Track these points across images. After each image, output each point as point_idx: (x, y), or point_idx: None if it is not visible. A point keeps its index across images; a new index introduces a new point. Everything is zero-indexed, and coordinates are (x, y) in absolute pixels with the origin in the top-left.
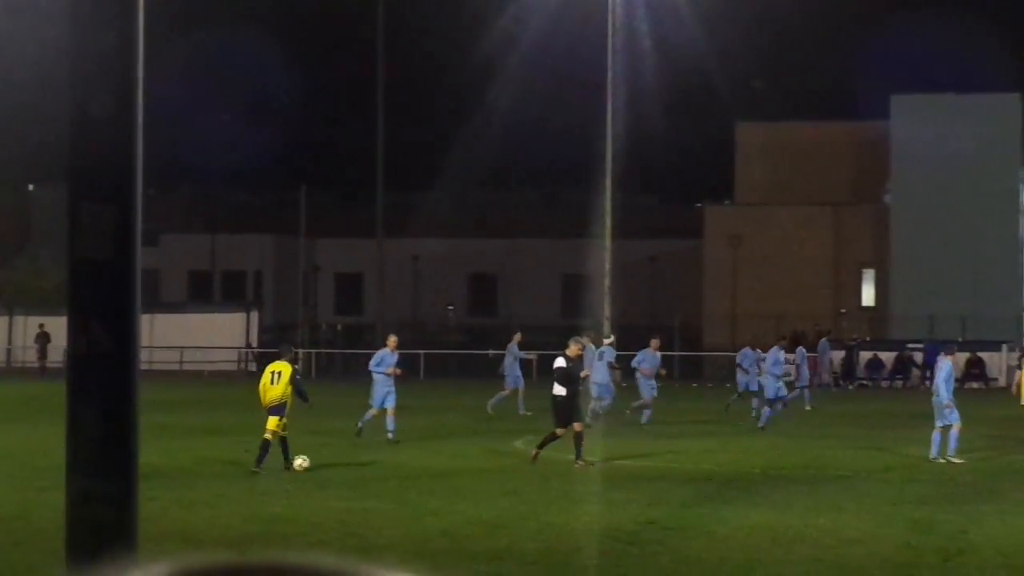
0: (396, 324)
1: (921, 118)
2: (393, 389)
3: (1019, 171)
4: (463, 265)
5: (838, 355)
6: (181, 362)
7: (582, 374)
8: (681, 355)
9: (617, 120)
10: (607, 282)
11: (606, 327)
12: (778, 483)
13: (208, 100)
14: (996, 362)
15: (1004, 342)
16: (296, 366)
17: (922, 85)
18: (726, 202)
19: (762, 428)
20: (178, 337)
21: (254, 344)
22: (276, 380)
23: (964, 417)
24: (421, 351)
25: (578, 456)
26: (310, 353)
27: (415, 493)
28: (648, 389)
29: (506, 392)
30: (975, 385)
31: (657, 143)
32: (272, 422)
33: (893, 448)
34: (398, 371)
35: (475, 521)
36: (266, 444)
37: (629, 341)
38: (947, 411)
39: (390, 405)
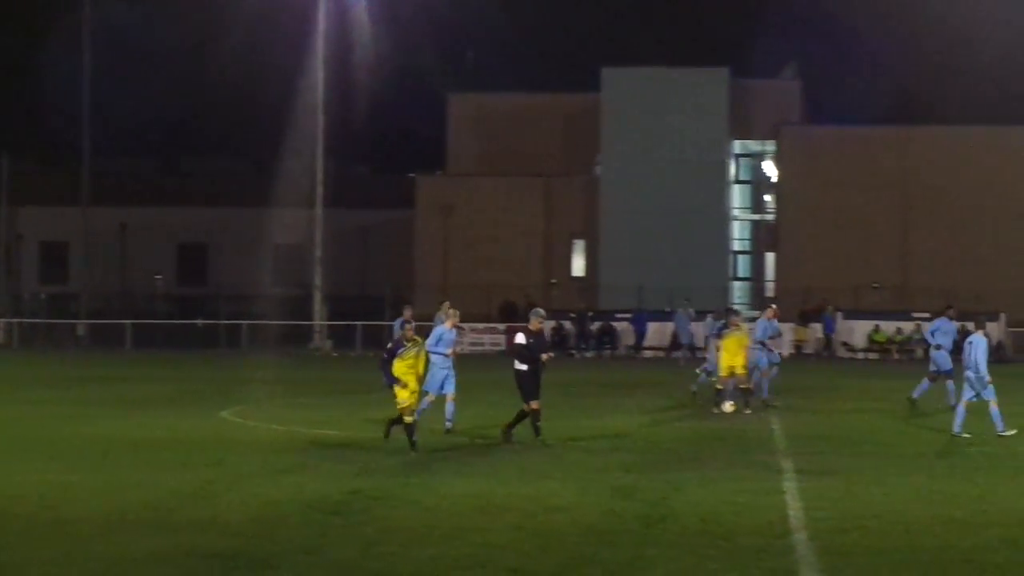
0: (103, 294)
1: (631, 91)
2: (453, 372)
3: (727, 144)
4: (172, 234)
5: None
6: None
7: (544, 357)
8: (392, 324)
9: (329, 90)
10: (318, 252)
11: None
12: (486, 452)
13: None
14: (702, 332)
15: (711, 312)
16: None
17: (632, 58)
18: (438, 173)
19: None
20: None
21: None
22: None
23: (669, 386)
24: (128, 321)
25: (536, 434)
26: (12, 323)
27: (118, 465)
28: (767, 359)
29: None
30: (678, 354)
31: (369, 114)
32: None
33: (599, 417)
34: (457, 351)
35: (179, 492)
36: None
37: (339, 311)
38: (988, 386)
39: (450, 391)
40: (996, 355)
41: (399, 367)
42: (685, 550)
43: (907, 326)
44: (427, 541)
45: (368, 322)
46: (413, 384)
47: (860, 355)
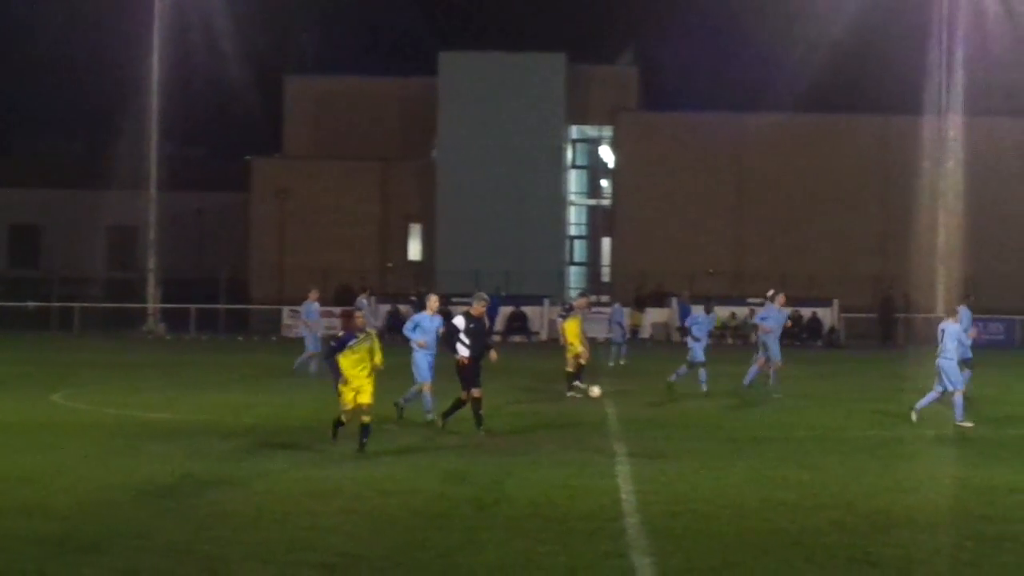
0: None
1: (468, 75)
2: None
3: (563, 129)
4: (2, 215)
5: (384, 309)
6: None
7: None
8: (227, 308)
9: (164, 71)
10: (152, 234)
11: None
12: (318, 436)
13: None
14: (538, 316)
15: (546, 296)
16: None
17: (470, 43)
18: (275, 155)
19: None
20: None
21: None
22: None
23: (509, 372)
24: None
25: (479, 423)
26: None
27: None
28: (776, 349)
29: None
30: (517, 339)
31: (205, 95)
32: None
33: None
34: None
35: (7, 477)
36: None
37: (171, 294)
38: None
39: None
40: (829, 340)
41: (345, 362)
42: (517, 533)
43: (741, 311)
44: (258, 525)
45: (202, 305)
46: (362, 382)
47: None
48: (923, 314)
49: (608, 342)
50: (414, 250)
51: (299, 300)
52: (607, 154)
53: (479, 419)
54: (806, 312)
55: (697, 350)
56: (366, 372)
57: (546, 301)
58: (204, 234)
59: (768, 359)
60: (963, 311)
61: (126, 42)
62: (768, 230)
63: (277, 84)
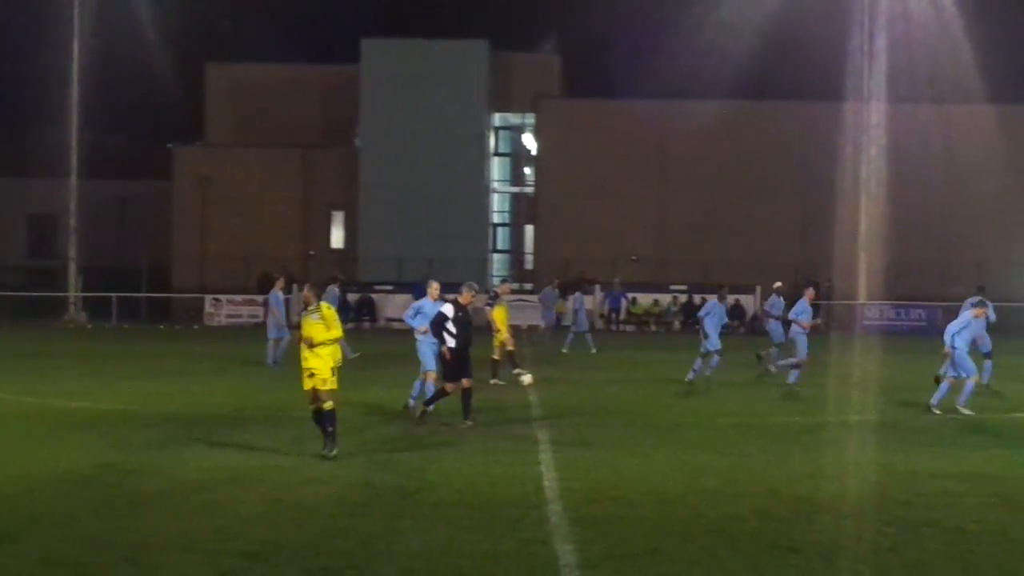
0: None
1: (390, 63)
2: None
3: (486, 117)
4: None
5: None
6: None
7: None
8: (149, 296)
9: (85, 59)
10: (73, 222)
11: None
12: (241, 425)
13: None
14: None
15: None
16: None
17: (392, 30)
18: (196, 143)
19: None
20: None
21: None
22: None
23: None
24: None
25: (467, 415)
26: None
27: None
28: (804, 345)
29: None
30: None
31: (126, 83)
32: None
33: (357, 389)
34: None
35: None
36: None
37: (92, 282)
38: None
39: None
40: (752, 327)
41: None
42: (440, 521)
43: (664, 298)
44: (179, 514)
45: (124, 294)
46: (315, 364)
47: (614, 327)
48: (845, 301)
49: (533, 330)
50: (336, 238)
51: (221, 288)
52: (530, 141)
53: (467, 410)
54: (729, 299)
55: (714, 338)
56: (320, 354)
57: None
58: (125, 222)
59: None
60: (989, 306)
61: (46, 29)
62: (691, 217)
63: (199, 71)
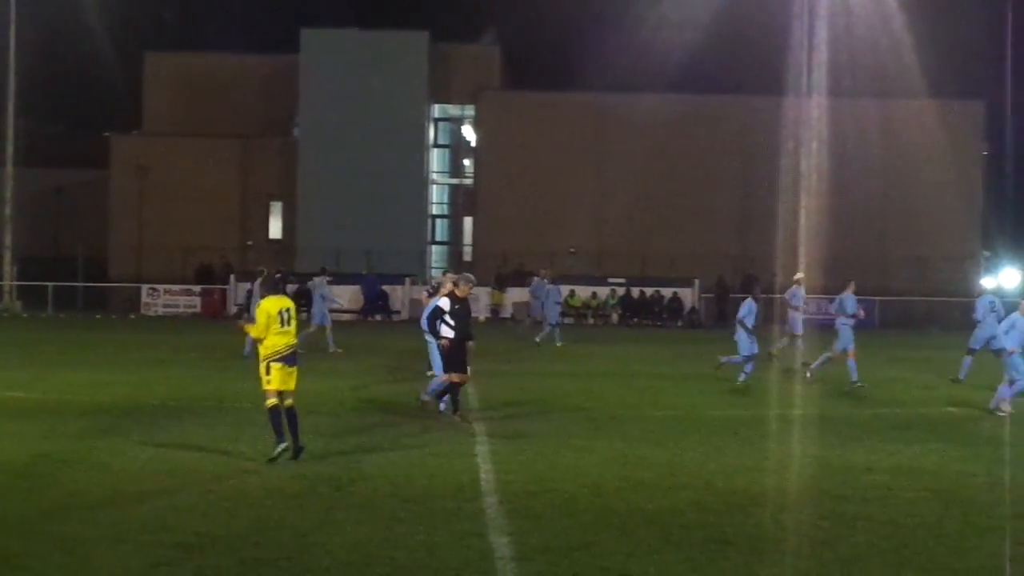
0: None
1: (330, 53)
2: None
3: (426, 108)
4: None
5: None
6: None
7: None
8: (86, 286)
9: (21, 46)
10: (8, 211)
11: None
12: (177, 415)
13: None
14: (399, 295)
15: (408, 276)
16: None
17: (332, 20)
18: (134, 132)
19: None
20: None
21: None
22: None
23: (368, 350)
24: None
25: (455, 409)
26: None
27: None
28: (847, 336)
29: (312, 329)
30: (379, 317)
31: (64, 71)
32: None
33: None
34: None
35: None
36: None
37: (28, 271)
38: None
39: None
40: (690, 320)
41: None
42: (374, 512)
43: (602, 291)
44: (113, 505)
45: (60, 283)
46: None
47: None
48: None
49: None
50: (275, 228)
51: (158, 279)
52: (470, 133)
53: (456, 404)
54: (667, 292)
55: (745, 343)
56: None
57: (408, 280)
58: (62, 211)
59: (844, 348)
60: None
61: None
62: (630, 210)
63: (137, 60)
